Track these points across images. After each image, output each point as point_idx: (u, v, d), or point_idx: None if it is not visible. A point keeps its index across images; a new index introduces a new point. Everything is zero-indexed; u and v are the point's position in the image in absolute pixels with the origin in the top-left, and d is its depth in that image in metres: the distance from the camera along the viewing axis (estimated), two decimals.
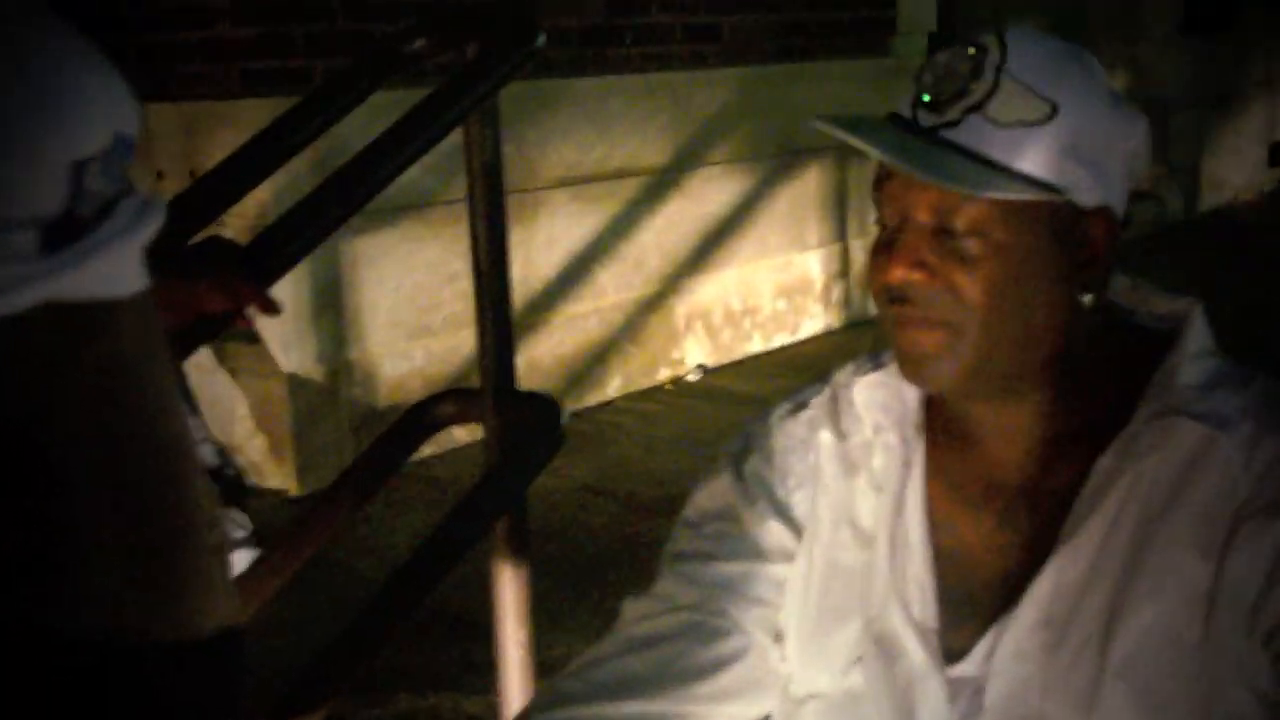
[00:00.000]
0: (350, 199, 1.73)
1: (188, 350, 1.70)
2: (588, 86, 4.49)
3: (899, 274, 1.10)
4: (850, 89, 5.33)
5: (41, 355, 0.74)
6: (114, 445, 0.78)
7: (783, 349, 5.14)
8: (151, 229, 0.84)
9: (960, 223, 1.09)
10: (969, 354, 1.11)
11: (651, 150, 4.69)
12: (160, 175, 3.73)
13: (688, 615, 1.25)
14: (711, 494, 1.32)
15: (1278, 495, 1.08)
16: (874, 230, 1.19)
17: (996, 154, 1.08)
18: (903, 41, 5.77)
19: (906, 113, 1.13)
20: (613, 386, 4.59)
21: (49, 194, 0.73)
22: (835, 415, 1.28)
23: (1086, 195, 1.11)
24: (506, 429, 2.02)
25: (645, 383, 4.69)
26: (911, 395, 1.25)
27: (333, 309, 3.86)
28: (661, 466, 3.92)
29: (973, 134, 1.09)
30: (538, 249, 4.35)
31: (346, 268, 3.88)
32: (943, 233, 1.10)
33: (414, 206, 3.88)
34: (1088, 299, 1.14)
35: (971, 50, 1.11)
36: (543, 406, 2.05)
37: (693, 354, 4.86)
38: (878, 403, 1.25)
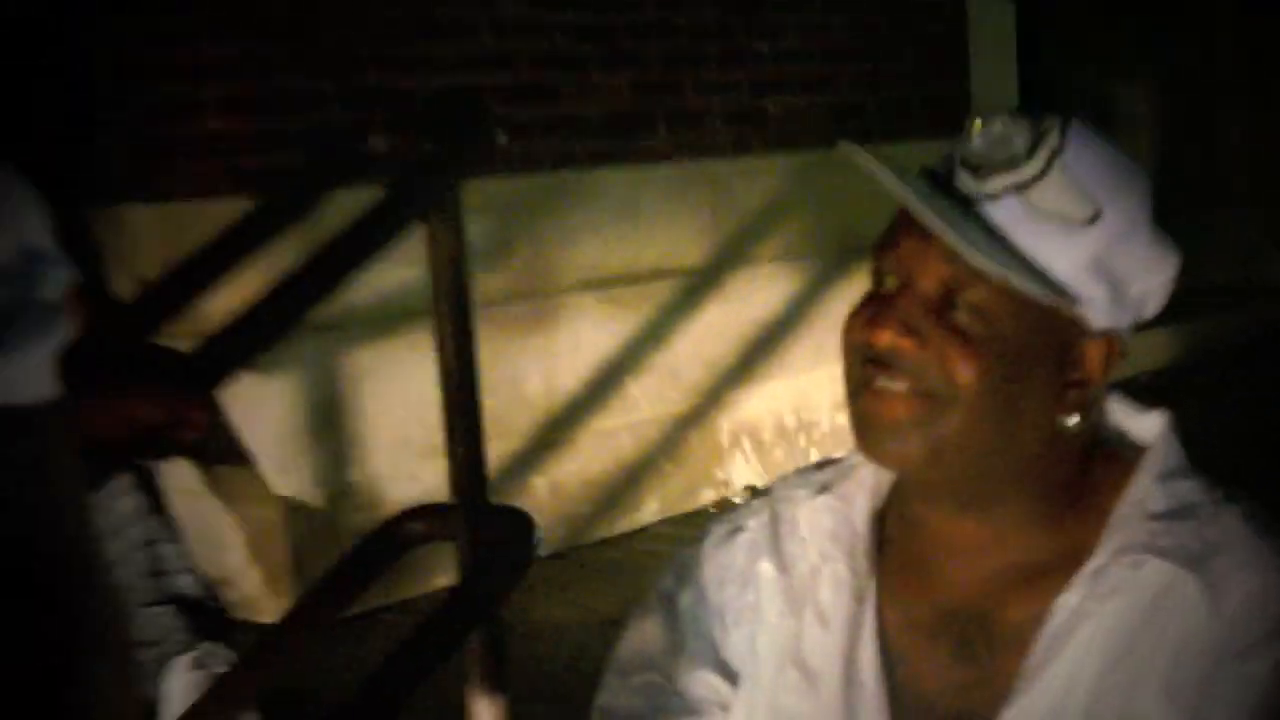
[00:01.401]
0: (294, 307, 1.89)
1: (125, 461, 1.87)
2: (615, 178, 4.62)
3: (887, 337, 1.15)
4: None
5: None
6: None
7: None
8: (55, 339, 1.01)
9: (966, 301, 1.15)
10: (942, 434, 1.16)
11: (689, 247, 4.80)
12: (142, 280, 3.91)
13: None
14: (642, 635, 1.35)
15: (1251, 638, 1.13)
16: None
17: (1024, 241, 1.14)
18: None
19: (942, 171, 1.19)
20: (648, 510, 4.64)
21: None
22: (776, 540, 1.31)
23: (1098, 315, 1.17)
24: (479, 543, 2.14)
25: (686, 506, 4.73)
26: (861, 519, 1.28)
27: (332, 427, 3.97)
28: None
29: (1008, 214, 1.15)
30: (560, 358, 4.43)
31: (346, 381, 4.00)
32: (944, 307, 1.15)
33: (420, 312, 4.01)
34: (1073, 422, 1.19)
35: (1034, 126, 1.15)
36: (515, 520, 2.18)
37: (740, 474, 4.91)
38: (825, 529, 1.28)
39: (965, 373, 1.15)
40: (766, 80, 5.12)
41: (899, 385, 1.16)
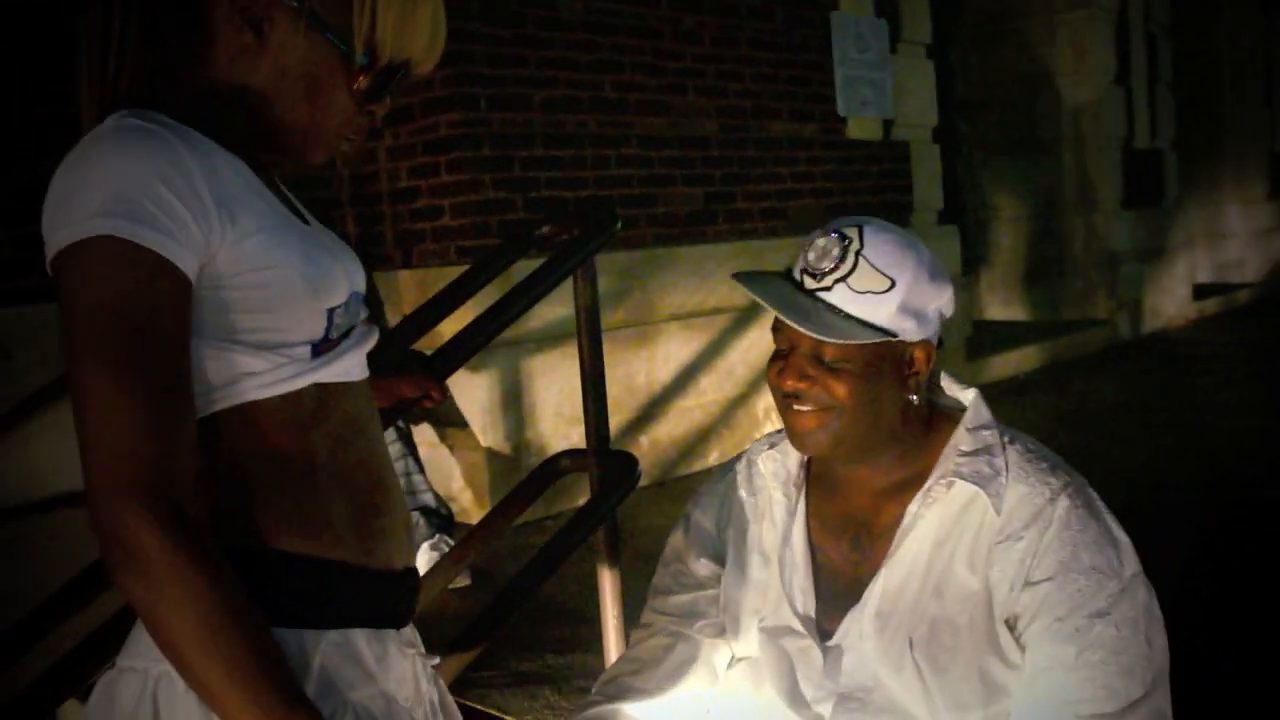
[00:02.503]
0: (492, 329, 1.91)
1: (394, 418, 1.89)
2: (692, 252, 4.62)
3: (791, 383, 1.19)
4: None
5: (309, 410, 0.96)
6: (343, 460, 0.99)
7: None
8: (369, 345, 1.07)
9: (829, 353, 1.17)
10: (836, 430, 1.19)
11: (737, 295, 4.70)
12: (404, 314, 4.00)
13: (660, 639, 1.34)
14: (675, 540, 1.40)
15: (1017, 527, 1.15)
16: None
17: (854, 311, 1.15)
18: (919, 216, 5.79)
19: (795, 275, 1.19)
20: (711, 458, 4.62)
21: (316, 327, 0.96)
22: (749, 479, 1.34)
23: (913, 335, 1.18)
24: (603, 474, 2.17)
25: (734, 454, 4.69)
26: (794, 465, 1.31)
27: (517, 404, 4.00)
28: None
29: (839, 297, 1.15)
30: (658, 364, 4.45)
31: (526, 377, 4.02)
32: (819, 357, 1.17)
33: (570, 335, 4.04)
34: (913, 399, 1.21)
35: (841, 239, 1.16)
36: (626, 459, 2.19)
37: None
38: (772, 471, 1.31)
39: (842, 393, 1.17)
40: (786, 191, 5.10)
41: (806, 408, 1.18)
